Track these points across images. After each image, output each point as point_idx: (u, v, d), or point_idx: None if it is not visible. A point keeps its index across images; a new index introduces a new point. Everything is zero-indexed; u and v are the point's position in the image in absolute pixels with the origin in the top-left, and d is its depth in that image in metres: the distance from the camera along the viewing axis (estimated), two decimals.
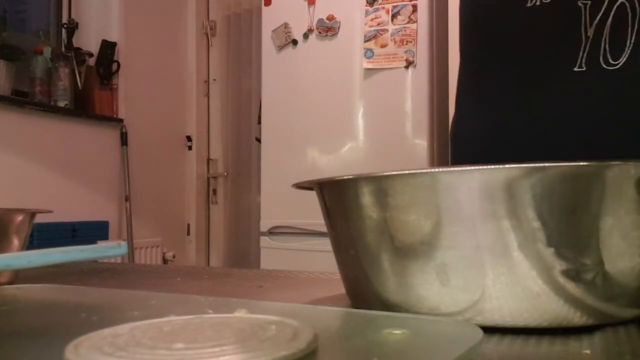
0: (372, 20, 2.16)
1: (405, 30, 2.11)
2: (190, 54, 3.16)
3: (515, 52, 0.68)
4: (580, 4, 0.61)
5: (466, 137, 0.74)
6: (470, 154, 0.73)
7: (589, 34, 0.61)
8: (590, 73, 0.61)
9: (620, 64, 0.59)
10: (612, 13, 0.60)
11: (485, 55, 0.71)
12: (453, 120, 0.79)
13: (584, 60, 0.61)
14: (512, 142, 0.67)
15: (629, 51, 0.59)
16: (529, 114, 0.66)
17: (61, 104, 2.40)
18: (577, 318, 0.32)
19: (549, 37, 0.64)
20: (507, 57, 0.69)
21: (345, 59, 2.21)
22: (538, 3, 0.63)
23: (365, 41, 2.17)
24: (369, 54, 2.16)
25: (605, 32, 0.60)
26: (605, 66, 0.60)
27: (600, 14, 0.60)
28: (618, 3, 0.59)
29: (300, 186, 0.44)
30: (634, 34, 0.59)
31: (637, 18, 0.59)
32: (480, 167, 0.32)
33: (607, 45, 0.60)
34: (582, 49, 0.61)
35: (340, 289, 0.44)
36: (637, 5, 0.59)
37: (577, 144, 0.62)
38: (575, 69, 0.61)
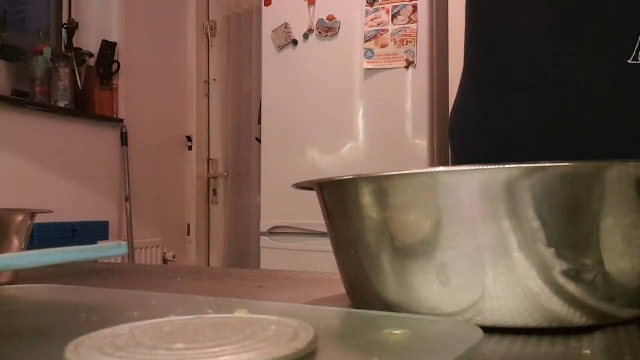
0: (372, 20, 2.16)
1: (405, 30, 2.11)
2: (190, 54, 3.16)
3: (547, 38, 0.62)
4: None
5: (476, 131, 0.70)
6: (486, 147, 0.69)
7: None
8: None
9: None
10: None
11: (503, 42, 0.67)
12: (454, 113, 0.76)
13: (639, 54, 0.56)
14: (527, 134, 0.63)
15: None
16: (563, 110, 0.61)
17: (61, 104, 2.40)
18: (577, 318, 0.32)
19: (600, 25, 0.59)
20: (534, 46, 0.64)
21: (345, 59, 2.21)
22: None
23: (365, 41, 2.17)
24: (369, 54, 2.16)
25: None
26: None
27: None
28: None
29: (300, 186, 0.44)
30: None
31: None
32: (481, 167, 0.32)
33: None
34: (638, 42, 0.56)
35: (340, 289, 0.44)
36: None
37: (625, 143, 0.58)
38: (630, 61, 0.57)
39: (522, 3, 0.65)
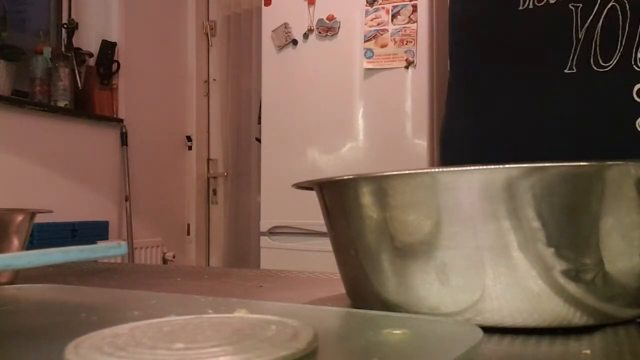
0: (372, 20, 2.16)
1: (405, 30, 2.11)
2: (190, 54, 3.16)
3: (506, 53, 0.68)
4: (571, 7, 0.62)
5: (456, 139, 0.75)
6: (459, 156, 0.74)
7: (580, 37, 0.61)
8: (581, 75, 0.61)
9: (611, 67, 0.60)
10: (603, 16, 0.60)
11: (475, 56, 0.72)
12: (442, 122, 0.80)
13: (574, 63, 0.62)
14: (503, 143, 0.68)
15: (619, 54, 0.60)
16: (520, 116, 0.66)
17: (61, 104, 2.40)
18: (577, 318, 0.32)
19: (541, 40, 0.65)
20: (498, 59, 0.69)
21: (345, 59, 2.20)
22: (531, 6, 0.64)
23: (365, 41, 2.17)
24: (369, 54, 2.16)
25: (595, 34, 0.61)
26: (595, 68, 0.61)
27: (591, 17, 0.61)
28: (609, 6, 0.60)
29: (300, 186, 0.44)
30: (624, 36, 0.59)
31: (628, 21, 0.59)
32: (481, 167, 0.32)
33: (597, 48, 0.61)
34: (572, 51, 0.62)
35: (340, 289, 0.44)
36: (627, 8, 0.59)
37: (569, 146, 0.62)
38: (566, 70, 0.62)
39: (483, 22, 0.70)
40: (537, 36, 0.65)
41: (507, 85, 0.68)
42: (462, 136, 0.73)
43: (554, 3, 0.63)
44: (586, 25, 0.61)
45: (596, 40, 0.61)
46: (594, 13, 0.61)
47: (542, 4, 0.63)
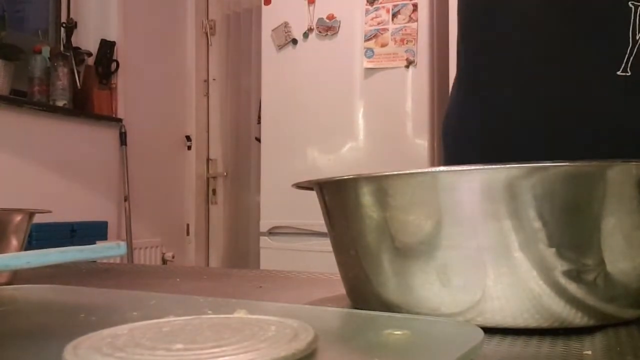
0: (372, 19, 2.16)
1: (405, 30, 2.11)
2: (190, 54, 3.15)
3: (540, 48, 0.63)
4: (631, 5, 0.57)
5: (469, 136, 0.71)
6: (467, 150, 0.71)
7: (637, 38, 0.58)
8: (636, 79, 0.58)
9: None
10: None
11: (499, 48, 0.67)
12: (448, 116, 0.76)
13: (629, 65, 0.58)
14: (525, 141, 0.64)
15: None
16: (556, 112, 0.62)
17: (60, 103, 2.40)
18: (578, 319, 0.32)
19: (589, 35, 0.60)
20: (525, 54, 0.64)
21: (346, 58, 2.20)
22: None
23: (366, 40, 2.17)
24: (369, 53, 2.16)
25: None
26: None
27: None
28: None
29: (300, 186, 0.44)
30: None
31: None
32: (481, 167, 0.32)
33: None
34: (628, 52, 0.58)
35: (340, 289, 0.44)
36: None
37: (609, 150, 0.59)
38: (619, 72, 0.58)
39: (515, 9, 0.65)
40: (582, 32, 0.60)
41: (534, 82, 0.64)
42: (475, 130, 0.70)
43: None
44: None
45: None
46: None
47: None
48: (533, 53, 0.64)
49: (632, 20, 0.58)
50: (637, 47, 0.58)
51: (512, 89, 0.66)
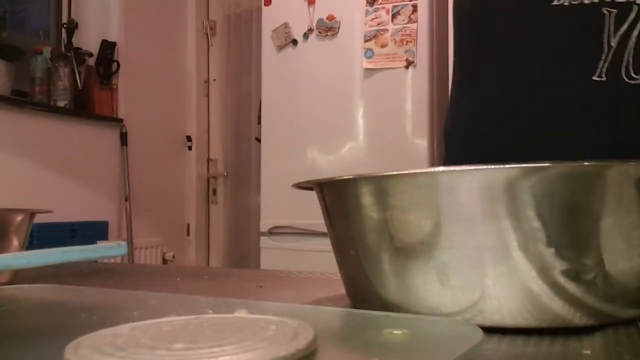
0: (372, 20, 2.16)
1: (405, 30, 2.11)
2: (190, 54, 3.15)
3: (527, 49, 0.65)
4: (604, 11, 0.59)
5: (465, 136, 0.73)
6: (467, 148, 0.71)
7: (612, 44, 0.59)
8: (610, 84, 0.59)
9: None
10: (639, 27, 0.57)
11: (490, 49, 0.68)
12: (448, 117, 0.77)
13: (604, 70, 0.59)
14: (515, 143, 0.65)
15: None
16: (534, 116, 0.64)
17: (61, 103, 2.40)
18: (577, 318, 0.32)
19: (569, 40, 0.62)
20: (517, 55, 0.66)
21: (345, 59, 2.20)
22: (566, 3, 0.61)
23: (365, 41, 2.17)
24: (369, 54, 2.16)
25: (629, 44, 0.58)
26: (626, 79, 0.58)
27: (626, 25, 0.58)
28: None
29: (300, 186, 0.44)
30: None
31: None
32: (481, 167, 0.32)
33: (630, 58, 0.58)
34: (603, 58, 0.59)
35: (340, 289, 0.44)
36: None
37: (610, 152, 0.59)
38: (595, 77, 0.59)
39: (504, 16, 0.67)
40: (563, 36, 0.62)
41: (519, 82, 0.65)
42: (471, 132, 0.71)
43: (589, 4, 0.59)
44: (619, 33, 0.58)
45: (630, 51, 0.58)
46: (629, 22, 0.58)
47: (578, 2, 0.60)
48: (527, 55, 0.66)
49: (606, 27, 0.59)
50: (612, 53, 0.59)
51: (511, 89, 0.66)
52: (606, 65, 0.59)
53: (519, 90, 0.66)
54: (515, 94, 0.66)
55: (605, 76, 0.59)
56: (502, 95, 0.67)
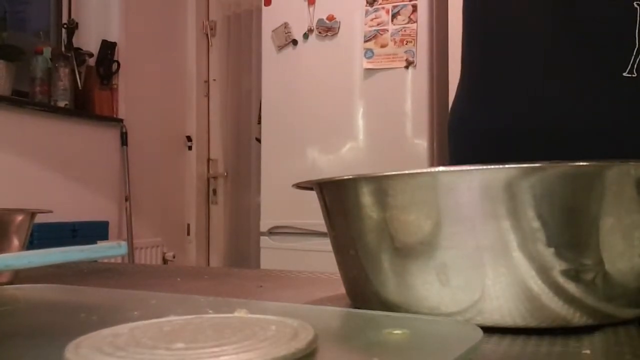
0: (372, 20, 2.16)
1: (405, 31, 2.11)
2: (190, 54, 3.16)
3: (548, 47, 0.62)
4: (636, 5, 0.57)
5: (474, 132, 0.70)
6: (474, 147, 0.70)
7: None
8: None
9: None
10: None
11: (504, 46, 0.66)
12: (452, 114, 0.75)
13: (635, 67, 0.57)
14: (533, 143, 0.63)
15: None
16: (558, 114, 0.62)
17: (61, 104, 2.40)
18: (577, 318, 0.32)
19: (593, 36, 0.59)
20: (535, 50, 0.63)
21: (345, 59, 2.20)
22: None
23: (365, 41, 2.17)
24: (369, 54, 2.16)
25: None
26: None
27: None
28: None
29: (300, 186, 0.44)
30: None
31: None
32: (481, 167, 0.32)
33: None
34: (634, 53, 0.57)
35: (340, 289, 0.44)
36: None
37: (614, 151, 0.58)
38: (625, 74, 0.58)
39: (522, 8, 0.65)
40: (586, 33, 0.60)
41: (542, 79, 0.63)
42: (486, 129, 0.69)
43: None
44: None
45: None
46: None
47: None
48: (537, 54, 0.64)
49: (638, 21, 0.57)
50: None
51: (516, 89, 0.66)
52: (637, 61, 0.57)
53: (534, 90, 0.64)
54: (530, 93, 0.64)
55: (637, 72, 0.57)
56: (517, 95, 0.65)
